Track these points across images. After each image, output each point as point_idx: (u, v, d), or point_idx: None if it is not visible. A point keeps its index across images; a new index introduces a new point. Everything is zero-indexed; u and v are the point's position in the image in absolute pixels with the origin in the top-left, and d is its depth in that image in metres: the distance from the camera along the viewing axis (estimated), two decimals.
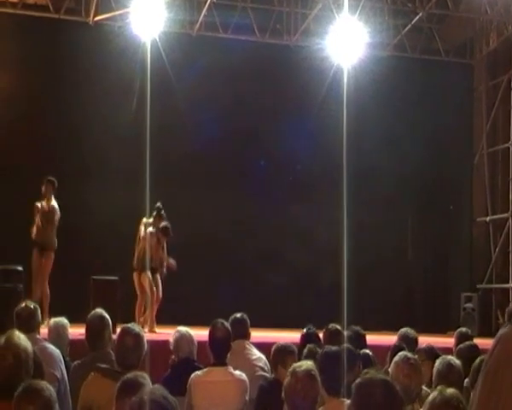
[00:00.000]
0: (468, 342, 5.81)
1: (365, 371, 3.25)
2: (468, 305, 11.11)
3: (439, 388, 3.34)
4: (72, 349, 5.90)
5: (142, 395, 2.54)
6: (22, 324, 5.34)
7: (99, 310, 5.15)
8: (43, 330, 5.92)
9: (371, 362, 5.18)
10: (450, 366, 4.50)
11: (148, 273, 9.38)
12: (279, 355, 5.04)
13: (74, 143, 11.22)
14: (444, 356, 4.69)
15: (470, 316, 10.84)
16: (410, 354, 4.37)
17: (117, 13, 11.50)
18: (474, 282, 12.36)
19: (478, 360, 4.09)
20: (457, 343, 6.13)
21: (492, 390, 1.43)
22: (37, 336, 5.38)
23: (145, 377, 3.15)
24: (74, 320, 6.09)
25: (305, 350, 5.17)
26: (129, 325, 4.20)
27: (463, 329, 6.65)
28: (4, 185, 10.99)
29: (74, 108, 11.26)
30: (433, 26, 13.13)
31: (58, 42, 11.09)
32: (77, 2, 11.68)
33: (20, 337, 3.39)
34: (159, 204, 9.51)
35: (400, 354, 4.32)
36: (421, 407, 3.72)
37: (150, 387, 2.77)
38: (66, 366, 5.18)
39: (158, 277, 9.52)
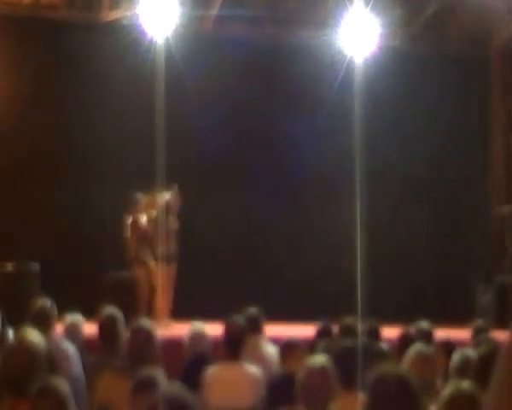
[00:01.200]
0: (484, 335, 5.77)
1: (381, 365, 3.24)
2: (485, 297, 11.04)
3: (454, 381, 3.32)
4: (88, 346, 5.93)
5: (160, 393, 2.54)
6: (38, 321, 5.39)
7: (110, 308, 5.18)
8: (59, 328, 5.96)
9: (387, 356, 5.16)
10: (466, 359, 4.46)
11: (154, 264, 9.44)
12: (287, 349, 5.02)
13: (86, 143, 11.26)
14: (460, 349, 4.66)
15: (487, 308, 10.76)
16: (423, 347, 4.35)
17: (129, 12, 11.50)
18: (491, 274, 12.27)
19: (487, 352, 4.05)
20: (474, 336, 6.10)
21: (506, 385, 1.41)
22: (53, 334, 5.42)
23: (159, 374, 3.16)
24: (90, 317, 6.11)
25: (320, 344, 5.16)
26: (140, 321, 4.22)
27: (480, 321, 6.61)
28: (18, 185, 11.06)
29: (86, 108, 11.28)
30: (448, 19, 13.01)
31: (70, 42, 11.11)
32: (89, 3, 11.70)
33: (33, 334, 3.42)
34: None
35: (414, 346, 4.30)
36: (435, 401, 3.70)
37: (168, 384, 2.77)
38: (81, 363, 5.21)
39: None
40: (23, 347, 3.30)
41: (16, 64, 11.27)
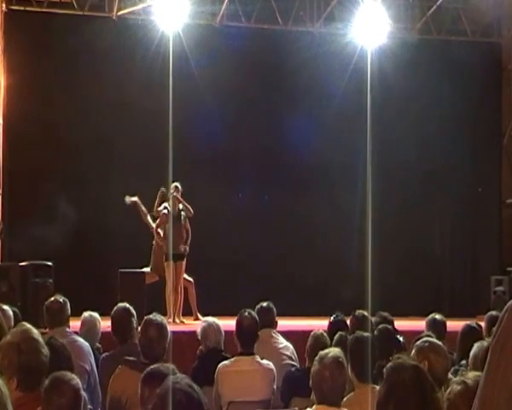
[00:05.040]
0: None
1: (397, 356, 3.23)
2: (499, 288, 10.97)
3: (463, 372, 3.30)
4: (103, 342, 5.95)
5: (167, 385, 2.53)
6: (52, 318, 5.41)
7: (122, 304, 5.20)
8: (76, 324, 5.99)
9: (401, 347, 5.14)
10: (485, 350, 4.44)
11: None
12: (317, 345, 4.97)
13: (97, 136, 11.28)
14: (483, 341, 4.63)
15: (501, 299, 10.70)
16: (433, 339, 4.32)
17: (140, 6, 11.52)
18: (504, 264, 12.21)
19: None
20: (488, 327, 6.06)
21: (501, 361, 1.39)
22: (67, 330, 5.44)
23: (169, 368, 3.16)
24: (103, 313, 6.13)
25: (336, 337, 5.13)
26: (151, 315, 4.22)
27: (494, 312, 6.55)
28: (30, 184, 11.11)
29: (98, 106, 11.30)
30: (459, 7, 12.92)
31: (82, 38, 11.13)
32: None
33: (25, 324, 3.43)
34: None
35: (424, 338, 4.27)
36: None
37: (174, 376, 2.76)
38: (95, 359, 5.23)
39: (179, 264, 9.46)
40: (22, 339, 3.29)
41: (29, 59, 11.30)
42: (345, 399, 3.87)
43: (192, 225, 9.77)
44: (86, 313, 6.01)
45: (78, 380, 3.10)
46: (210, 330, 5.33)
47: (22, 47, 11.29)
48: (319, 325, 6.38)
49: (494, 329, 1.43)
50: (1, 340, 3.45)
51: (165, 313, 8.60)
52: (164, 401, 2.45)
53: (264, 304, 5.76)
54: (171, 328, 4.52)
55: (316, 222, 11.94)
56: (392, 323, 5.93)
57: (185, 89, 10.70)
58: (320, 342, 4.99)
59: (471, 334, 5.28)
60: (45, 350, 3.27)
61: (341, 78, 11.60)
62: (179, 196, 9.43)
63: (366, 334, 4.61)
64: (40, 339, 3.31)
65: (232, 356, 5.04)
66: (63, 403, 3.00)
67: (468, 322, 5.72)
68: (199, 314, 9.38)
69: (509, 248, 12.82)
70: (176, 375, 2.71)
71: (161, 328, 4.11)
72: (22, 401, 3.15)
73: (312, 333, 5.20)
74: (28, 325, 3.39)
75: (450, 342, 5.34)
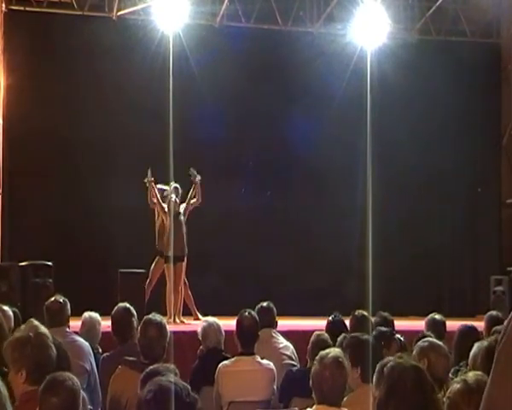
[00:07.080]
0: (499, 326, 5.73)
1: (399, 354, 3.23)
2: (499, 288, 10.97)
3: (463, 373, 3.30)
4: (104, 342, 5.96)
5: (151, 385, 2.54)
6: (52, 318, 5.42)
7: (123, 304, 5.20)
8: (76, 324, 6.00)
9: (404, 347, 5.15)
10: (485, 349, 4.43)
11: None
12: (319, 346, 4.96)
13: (97, 136, 11.27)
14: (483, 341, 4.63)
15: (501, 299, 10.70)
16: (433, 339, 4.32)
17: (140, 7, 11.52)
18: (504, 264, 12.21)
19: (494, 344, 4.01)
20: (488, 327, 6.06)
21: (507, 367, 1.39)
22: (67, 330, 5.45)
23: (169, 368, 3.16)
24: (103, 314, 6.14)
25: (339, 339, 5.12)
26: (150, 315, 4.22)
27: (494, 312, 6.55)
28: (34, 180, 11.11)
29: (98, 106, 11.30)
30: (458, 7, 12.93)
31: (82, 38, 11.13)
32: None
33: (33, 321, 3.44)
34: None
35: (424, 339, 4.27)
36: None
37: (158, 377, 2.77)
38: (95, 359, 5.23)
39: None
40: (33, 334, 3.30)
41: (29, 59, 11.30)
42: (345, 399, 3.87)
43: (192, 224, 9.77)
44: (86, 314, 6.02)
45: (76, 380, 3.09)
46: (210, 330, 5.33)
47: (22, 47, 11.28)
48: (319, 324, 6.38)
49: (498, 328, 1.43)
50: (0, 340, 3.46)
51: (165, 313, 8.60)
52: (148, 400, 2.46)
53: (264, 304, 5.77)
54: (171, 328, 4.53)
55: (316, 222, 11.94)
56: (392, 323, 5.94)
57: (185, 89, 10.70)
58: (322, 343, 4.99)
59: (470, 334, 5.27)
60: (53, 347, 3.29)
61: (341, 78, 11.60)
62: (176, 199, 9.40)
63: (365, 334, 4.62)
64: (49, 336, 3.34)
65: (232, 356, 5.04)
66: (56, 403, 2.99)
67: (464, 323, 5.71)
68: (199, 314, 9.37)
69: (508, 248, 12.83)
70: (162, 374, 2.71)
71: (161, 328, 4.11)
72: (29, 395, 3.16)
73: (315, 333, 5.20)
74: (36, 322, 3.41)
75: (450, 342, 5.34)
